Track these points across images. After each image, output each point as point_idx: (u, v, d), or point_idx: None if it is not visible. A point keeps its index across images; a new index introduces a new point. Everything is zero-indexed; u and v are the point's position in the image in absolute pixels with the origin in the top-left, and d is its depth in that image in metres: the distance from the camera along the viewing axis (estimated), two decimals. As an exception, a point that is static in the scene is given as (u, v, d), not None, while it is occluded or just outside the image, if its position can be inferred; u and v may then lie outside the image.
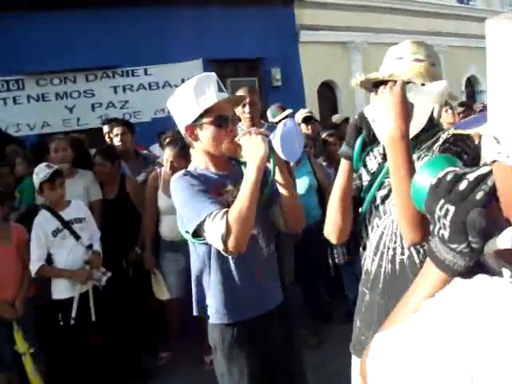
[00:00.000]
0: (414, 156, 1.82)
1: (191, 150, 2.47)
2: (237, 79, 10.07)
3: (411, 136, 1.77)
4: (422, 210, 1.16)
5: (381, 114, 1.71)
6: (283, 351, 2.53)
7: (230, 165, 2.49)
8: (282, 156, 2.20)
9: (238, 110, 4.34)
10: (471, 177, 0.95)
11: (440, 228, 0.99)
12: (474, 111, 8.46)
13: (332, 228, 1.99)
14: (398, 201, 1.69)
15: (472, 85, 17.65)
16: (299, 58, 11.84)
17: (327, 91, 12.83)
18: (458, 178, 0.97)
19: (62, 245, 3.98)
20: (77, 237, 4.02)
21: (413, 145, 1.83)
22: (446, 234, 0.99)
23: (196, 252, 2.40)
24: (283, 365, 2.53)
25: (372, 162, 2.00)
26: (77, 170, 4.74)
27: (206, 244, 2.27)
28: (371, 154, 2.01)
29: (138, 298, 4.61)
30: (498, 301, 0.72)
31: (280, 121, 5.14)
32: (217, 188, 2.35)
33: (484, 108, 8.89)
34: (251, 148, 2.18)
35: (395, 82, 1.72)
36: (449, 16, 15.80)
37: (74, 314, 3.84)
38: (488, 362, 0.67)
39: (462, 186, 0.95)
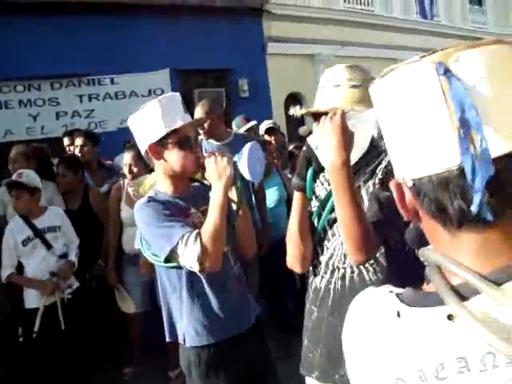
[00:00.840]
0: (360, 180, 1.91)
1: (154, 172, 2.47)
2: (204, 90, 10.06)
3: (353, 162, 1.84)
4: None
5: (322, 143, 1.76)
6: (260, 368, 2.54)
7: (189, 187, 2.51)
8: (247, 177, 2.25)
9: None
10: None
11: None
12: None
13: (295, 259, 2.04)
14: (342, 225, 1.77)
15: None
16: (266, 70, 11.91)
17: (294, 103, 12.89)
18: None
19: (33, 254, 3.92)
20: (48, 246, 3.93)
21: (357, 168, 1.90)
22: None
23: (165, 277, 2.39)
24: (260, 382, 2.54)
25: (319, 188, 2.05)
26: None
27: (178, 268, 2.27)
28: (318, 180, 2.05)
29: (102, 311, 4.51)
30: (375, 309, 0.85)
31: (245, 138, 5.16)
32: (181, 211, 2.36)
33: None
34: (217, 170, 2.24)
35: (336, 112, 1.75)
36: (413, 31, 16.09)
37: (36, 328, 3.74)
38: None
39: None
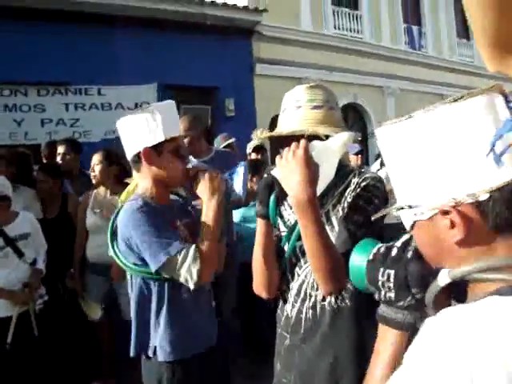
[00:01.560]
0: (329, 204, 1.88)
1: (137, 176, 2.43)
2: (190, 106, 10.09)
3: (320, 191, 1.81)
4: (362, 287, 1.30)
5: (285, 179, 1.71)
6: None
7: (170, 199, 2.52)
8: (241, 195, 2.30)
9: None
10: (398, 244, 1.16)
11: (385, 292, 1.14)
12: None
13: (260, 285, 2.00)
14: (310, 258, 1.74)
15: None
16: (253, 90, 11.98)
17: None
18: (389, 248, 1.16)
19: (4, 263, 3.82)
20: (20, 254, 3.86)
21: (325, 192, 1.89)
22: (392, 294, 1.13)
23: (143, 288, 2.34)
24: None
25: (288, 212, 2.01)
26: (17, 186, 4.54)
27: (164, 281, 2.27)
28: (285, 203, 2.02)
29: (72, 322, 4.46)
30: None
31: (226, 155, 5.22)
32: (170, 222, 2.36)
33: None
34: (212, 186, 2.30)
35: (298, 144, 1.70)
36: (401, 60, 16.31)
37: (9, 339, 3.66)
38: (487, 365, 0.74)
39: (394, 252, 1.15)
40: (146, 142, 2.30)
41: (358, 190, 1.85)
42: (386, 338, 1.18)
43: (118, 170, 4.25)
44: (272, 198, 1.84)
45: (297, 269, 1.95)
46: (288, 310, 1.98)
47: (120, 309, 4.28)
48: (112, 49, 9.73)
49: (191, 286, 2.20)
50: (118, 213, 2.42)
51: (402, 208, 1.01)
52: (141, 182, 2.41)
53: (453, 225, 0.91)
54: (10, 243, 3.84)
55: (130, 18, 9.93)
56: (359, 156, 6.78)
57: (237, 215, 5.05)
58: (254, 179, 4.73)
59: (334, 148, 1.78)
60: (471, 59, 19.01)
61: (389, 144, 1.02)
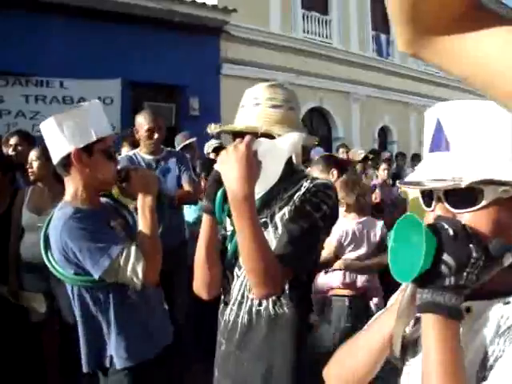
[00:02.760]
0: (276, 206, 1.84)
1: (65, 180, 2.33)
2: (154, 104, 9.98)
3: (263, 192, 1.80)
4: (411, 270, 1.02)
5: (225, 174, 1.66)
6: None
7: (100, 201, 2.44)
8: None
9: (142, 135, 4.31)
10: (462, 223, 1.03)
11: (468, 274, 0.97)
12: (381, 160, 8.83)
13: (200, 284, 1.92)
14: (243, 258, 1.69)
15: (385, 134, 18.38)
16: (219, 90, 11.91)
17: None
18: (459, 225, 1.01)
19: None
20: None
21: (274, 195, 1.84)
22: (474, 276, 0.98)
23: (88, 298, 2.25)
24: None
25: None
26: None
27: (108, 287, 2.21)
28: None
29: (14, 325, 4.28)
30: None
31: (175, 155, 5.16)
32: (107, 223, 2.31)
33: (390, 158, 9.27)
34: (146, 182, 2.31)
35: (243, 138, 1.67)
36: (369, 67, 16.46)
37: None
38: None
39: (468, 229, 1.01)
40: (75, 142, 2.20)
41: (307, 194, 1.80)
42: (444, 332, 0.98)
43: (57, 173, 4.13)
44: (219, 194, 1.76)
45: (236, 269, 1.90)
46: (227, 314, 1.93)
47: (61, 311, 4.09)
48: (77, 41, 9.59)
49: (138, 286, 2.16)
50: (49, 222, 2.33)
51: (491, 182, 0.98)
52: (69, 186, 2.32)
53: None
54: None
55: (97, 10, 9.80)
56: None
57: (192, 214, 4.97)
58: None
59: (281, 147, 1.74)
60: (436, 69, 19.30)
61: (475, 116, 1.02)
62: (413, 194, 5.94)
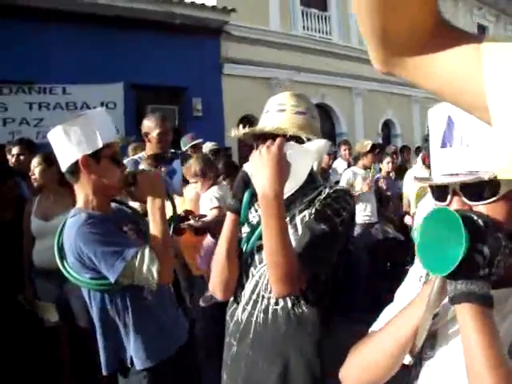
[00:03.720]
0: (296, 209, 1.87)
1: (75, 187, 2.36)
2: (157, 106, 9.98)
3: (290, 193, 1.84)
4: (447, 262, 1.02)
5: (256, 172, 1.71)
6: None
7: (111, 207, 2.47)
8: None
9: (153, 138, 4.32)
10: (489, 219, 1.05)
11: (499, 262, 0.99)
12: (386, 153, 8.80)
13: (217, 282, 1.92)
14: (267, 255, 1.71)
15: (388, 128, 18.35)
16: (221, 90, 11.94)
17: (247, 125, 12.93)
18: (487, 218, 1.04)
19: None
20: None
21: (294, 198, 1.88)
22: (502, 263, 1.00)
23: (106, 302, 2.29)
24: None
25: (252, 215, 1.99)
26: None
27: (125, 290, 2.24)
28: (252, 206, 1.99)
29: (29, 331, 4.31)
30: None
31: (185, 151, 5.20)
32: (119, 228, 2.34)
33: (396, 151, 9.20)
34: (153, 185, 2.33)
35: (274, 140, 1.72)
36: (369, 61, 16.25)
37: None
38: None
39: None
40: (83, 149, 2.24)
41: (329, 199, 1.84)
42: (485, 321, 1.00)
43: (60, 172, 4.16)
44: (246, 194, 1.81)
45: (252, 269, 1.92)
46: (239, 314, 1.93)
47: (74, 315, 4.14)
48: (78, 47, 9.60)
49: (153, 286, 2.19)
50: (62, 229, 2.36)
51: None
52: (79, 193, 2.35)
53: None
54: None
55: (98, 16, 9.81)
56: (331, 156, 6.97)
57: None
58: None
59: (309, 151, 1.81)
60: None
61: None
62: (416, 188, 5.90)
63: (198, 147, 5.76)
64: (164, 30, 10.72)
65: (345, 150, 8.16)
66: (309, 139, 1.84)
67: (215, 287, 1.95)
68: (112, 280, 2.15)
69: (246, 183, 1.80)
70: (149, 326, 2.31)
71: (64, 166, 2.29)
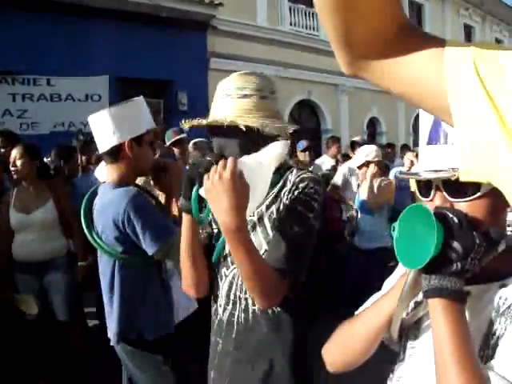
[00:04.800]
0: (262, 205, 1.78)
1: (111, 166, 2.52)
2: (142, 99, 9.91)
3: (253, 211, 1.74)
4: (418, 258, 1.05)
5: (213, 204, 1.57)
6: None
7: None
8: None
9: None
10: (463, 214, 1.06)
11: (472, 259, 1.01)
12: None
13: (188, 283, 1.87)
14: (243, 280, 1.65)
15: (374, 125, 18.44)
16: (207, 85, 11.88)
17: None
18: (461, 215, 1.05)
19: None
20: None
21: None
22: (477, 261, 1.02)
23: (131, 271, 2.45)
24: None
25: None
26: None
27: (150, 265, 2.44)
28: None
29: (8, 324, 4.29)
30: None
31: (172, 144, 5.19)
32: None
33: (386, 153, 9.22)
34: (179, 174, 2.53)
35: (225, 164, 1.56)
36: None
37: None
38: None
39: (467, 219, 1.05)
40: (129, 133, 2.44)
41: (296, 192, 1.74)
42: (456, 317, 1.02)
43: (40, 165, 4.16)
44: (194, 192, 1.69)
45: (224, 269, 1.86)
46: (220, 313, 1.89)
47: (52, 309, 4.12)
48: (63, 38, 9.53)
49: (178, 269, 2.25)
50: (90, 197, 2.60)
51: None
52: (114, 172, 2.51)
53: None
54: None
55: (84, 6, 9.73)
56: (307, 152, 6.87)
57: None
58: None
59: (266, 163, 1.67)
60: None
61: None
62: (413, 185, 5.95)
63: (182, 142, 5.69)
64: (151, 23, 10.67)
65: (337, 148, 8.12)
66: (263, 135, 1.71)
67: (187, 287, 1.90)
68: (151, 252, 2.32)
69: (192, 180, 1.69)
70: (162, 299, 2.50)
71: (105, 147, 2.47)
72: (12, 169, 4.10)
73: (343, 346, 1.33)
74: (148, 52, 10.56)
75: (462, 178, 0.76)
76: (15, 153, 4.06)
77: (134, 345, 2.47)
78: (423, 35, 0.74)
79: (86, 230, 2.52)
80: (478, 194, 1.05)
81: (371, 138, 16.33)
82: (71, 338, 4.23)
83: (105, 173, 3.03)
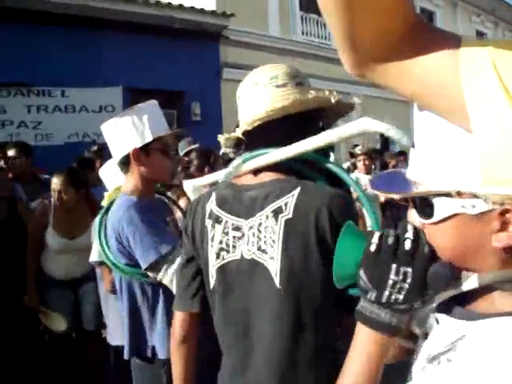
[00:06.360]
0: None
1: (125, 176, 2.45)
2: (156, 110, 9.96)
3: None
4: (343, 283, 1.06)
5: None
6: None
7: (154, 196, 2.57)
8: None
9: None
10: (410, 235, 0.91)
11: (391, 294, 0.91)
12: (383, 160, 8.78)
13: None
14: None
15: (386, 134, 18.37)
16: (220, 95, 11.92)
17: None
18: (397, 239, 0.92)
19: None
20: None
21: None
22: (401, 296, 0.91)
23: (137, 288, 2.37)
24: None
25: None
26: None
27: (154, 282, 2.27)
28: None
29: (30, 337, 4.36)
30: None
31: (186, 154, 5.19)
32: (163, 218, 2.42)
33: (397, 161, 9.15)
34: None
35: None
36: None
37: None
38: None
39: (407, 245, 0.90)
40: (134, 142, 2.34)
41: None
42: (365, 340, 0.98)
43: (84, 195, 4.24)
44: None
45: None
46: None
47: (81, 319, 4.23)
48: (77, 50, 9.61)
49: (174, 290, 2.18)
50: (105, 211, 2.49)
51: (447, 194, 0.80)
52: (128, 182, 2.44)
53: (504, 227, 0.77)
54: None
55: (97, 19, 9.83)
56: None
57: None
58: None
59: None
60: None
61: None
62: None
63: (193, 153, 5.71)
64: (164, 35, 10.73)
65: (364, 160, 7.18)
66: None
67: None
68: (143, 267, 2.21)
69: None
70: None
71: (117, 156, 2.41)
72: (55, 195, 4.11)
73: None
74: (161, 63, 10.63)
75: (482, 189, 0.71)
76: (58, 182, 4.09)
77: (146, 362, 2.40)
78: (437, 32, 0.72)
79: (98, 242, 2.46)
80: (436, 218, 0.85)
81: (384, 146, 16.28)
82: (91, 350, 4.28)
83: (109, 173, 3.07)
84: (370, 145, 9.13)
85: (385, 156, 9.52)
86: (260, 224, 1.56)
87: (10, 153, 5.14)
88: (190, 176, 4.31)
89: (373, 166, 7.12)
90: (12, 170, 4.99)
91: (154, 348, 2.35)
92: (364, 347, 0.97)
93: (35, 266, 4.24)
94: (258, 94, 1.66)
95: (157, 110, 2.44)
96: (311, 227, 1.48)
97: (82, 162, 5.79)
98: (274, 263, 1.52)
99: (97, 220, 2.53)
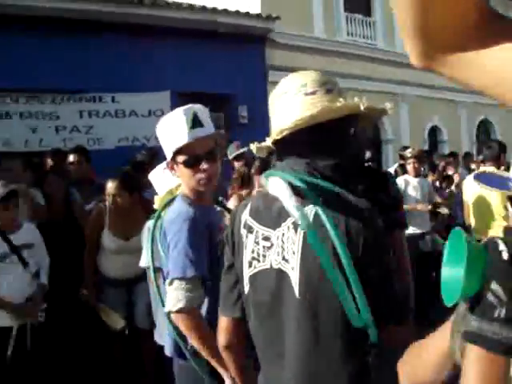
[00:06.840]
0: None
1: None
2: (204, 113, 10.06)
3: None
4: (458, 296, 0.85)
5: None
6: None
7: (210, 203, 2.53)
8: None
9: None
10: None
11: None
12: (433, 161, 8.63)
13: None
14: None
15: (435, 134, 18.08)
16: (267, 98, 11.85)
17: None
18: None
19: (8, 271, 3.78)
20: (24, 263, 3.82)
21: None
22: None
23: None
24: None
25: None
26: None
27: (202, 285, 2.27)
28: None
29: (84, 333, 4.52)
30: None
31: (235, 158, 5.23)
32: (210, 237, 2.32)
33: (447, 163, 8.91)
34: None
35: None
36: (415, 67, 16.21)
37: (10, 351, 3.65)
38: None
39: None
40: (168, 155, 2.37)
41: None
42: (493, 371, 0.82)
43: (138, 198, 4.35)
44: None
45: None
46: None
47: (135, 318, 4.35)
48: (127, 57, 9.81)
49: (165, 309, 2.24)
50: (158, 217, 2.52)
51: None
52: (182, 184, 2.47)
53: None
54: (15, 251, 3.81)
55: (145, 26, 10.03)
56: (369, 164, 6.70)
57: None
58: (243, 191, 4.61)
59: None
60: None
61: None
62: (474, 191, 5.40)
63: (244, 156, 5.72)
64: (210, 39, 10.86)
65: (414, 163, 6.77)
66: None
67: None
68: (168, 278, 2.23)
69: None
70: (216, 320, 2.36)
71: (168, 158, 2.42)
72: (109, 199, 4.26)
73: (414, 366, 1.13)
74: (208, 67, 10.75)
75: None
76: (113, 187, 4.24)
77: (185, 363, 2.39)
78: (510, 21, 0.67)
79: (147, 246, 2.49)
80: None
81: (433, 147, 16.03)
82: (144, 349, 4.40)
83: (158, 176, 3.08)
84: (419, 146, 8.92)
85: (434, 157, 9.38)
86: (283, 234, 1.61)
87: (73, 158, 5.25)
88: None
89: (422, 169, 6.89)
90: (73, 174, 5.13)
91: (193, 348, 2.32)
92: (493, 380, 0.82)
93: (92, 266, 4.41)
94: (287, 102, 1.69)
95: (177, 119, 2.31)
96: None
97: (136, 165, 5.89)
98: (294, 273, 1.58)
99: (150, 224, 2.59)
